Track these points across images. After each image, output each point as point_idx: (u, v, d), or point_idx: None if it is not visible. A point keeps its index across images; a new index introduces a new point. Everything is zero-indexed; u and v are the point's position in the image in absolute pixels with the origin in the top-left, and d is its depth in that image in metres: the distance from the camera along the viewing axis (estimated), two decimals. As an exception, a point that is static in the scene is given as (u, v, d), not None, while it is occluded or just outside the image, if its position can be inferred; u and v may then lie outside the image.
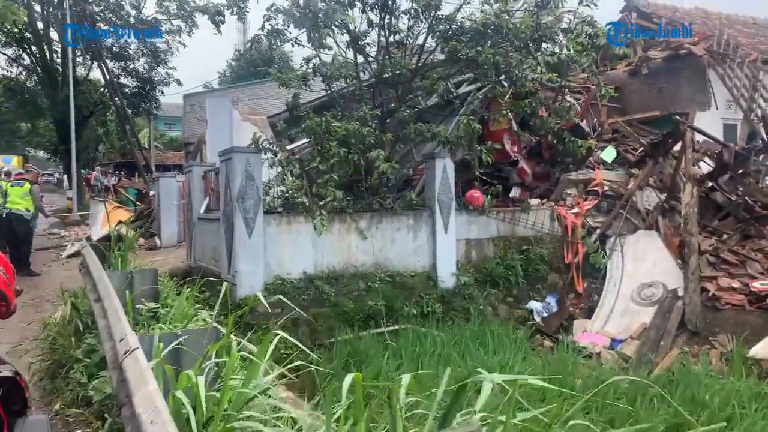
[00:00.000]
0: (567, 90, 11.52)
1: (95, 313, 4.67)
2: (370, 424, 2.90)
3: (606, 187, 10.34)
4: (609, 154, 11.19)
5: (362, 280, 8.08)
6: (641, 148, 10.99)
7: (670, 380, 6.30)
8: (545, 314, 8.81)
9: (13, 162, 23.80)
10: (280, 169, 8.45)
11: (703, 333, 7.72)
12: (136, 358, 2.96)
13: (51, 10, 24.86)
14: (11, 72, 29.09)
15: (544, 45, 9.23)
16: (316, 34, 8.36)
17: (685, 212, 8.72)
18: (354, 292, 7.89)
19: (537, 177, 10.89)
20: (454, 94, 10.04)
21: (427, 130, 8.61)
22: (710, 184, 9.99)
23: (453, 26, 8.72)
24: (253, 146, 7.93)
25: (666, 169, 10.26)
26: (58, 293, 6.67)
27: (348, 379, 2.48)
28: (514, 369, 6.35)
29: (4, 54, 27.77)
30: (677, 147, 9.96)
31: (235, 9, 9.24)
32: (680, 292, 8.16)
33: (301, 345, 3.70)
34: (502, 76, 9.12)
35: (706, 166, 10.61)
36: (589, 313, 8.82)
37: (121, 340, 3.39)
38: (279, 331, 3.56)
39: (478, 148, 8.75)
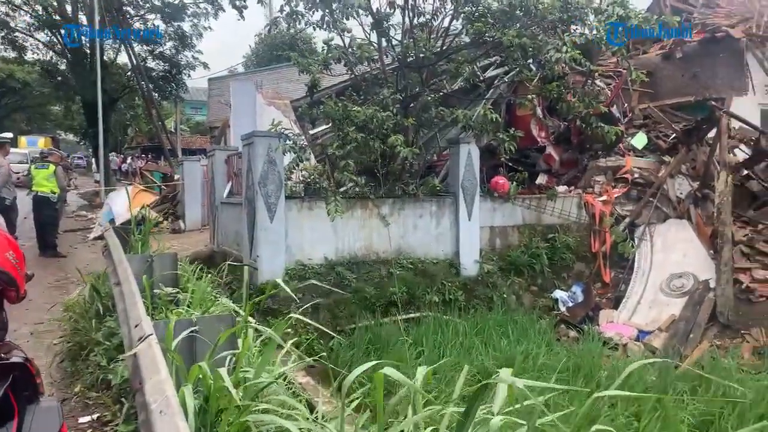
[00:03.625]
0: (597, 74, 11.19)
1: (115, 297, 4.67)
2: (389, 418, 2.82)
3: (636, 175, 10.05)
4: (640, 140, 10.85)
5: (384, 266, 7.99)
6: (674, 135, 10.65)
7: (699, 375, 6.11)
8: (570, 304, 8.64)
9: (39, 143, 23.87)
10: (295, 155, 8.38)
11: (735, 326, 7.49)
12: (150, 345, 2.92)
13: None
14: (44, 56, 29.64)
15: (573, 27, 8.95)
16: (332, 18, 8.21)
17: (719, 201, 8.42)
18: (375, 279, 7.81)
19: (564, 163, 10.63)
20: (481, 78, 9.82)
21: (449, 114, 8.44)
22: (746, 172, 9.64)
23: (479, 8, 8.49)
24: (273, 131, 7.86)
25: (699, 156, 9.92)
26: (81, 275, 6.71)
27: (361, 367, 2.38)
28: (537, 359, 6.23)
29: (36, 39, 28.24)
30: (712, 133, 9.61)
31: (256, -7, 9.14)
32: (712, 284, 7.92)
33: (322, 327, 3.60)
34: (530, 60, 8.88)
35: (741, 154, 10.24)
36: (615, 303, 8.62)
37: (135, 326, 3.36)
38: (297, 315, 3.50)
39: (501, 136, 8.55)
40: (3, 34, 27.66)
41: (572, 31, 8.91)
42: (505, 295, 8.30)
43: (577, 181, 10.37)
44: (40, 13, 25.27)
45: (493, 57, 9.89)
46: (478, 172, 8.68)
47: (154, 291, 4.80)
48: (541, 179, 10.34)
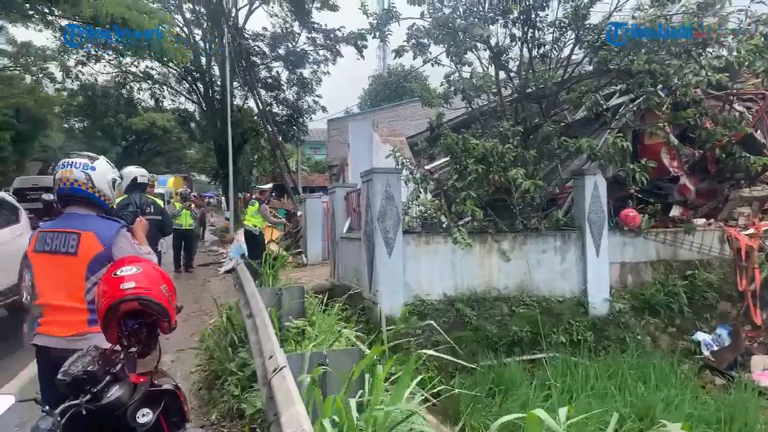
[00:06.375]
0: (735, 98, 10.33)
1: (247, 328, 4.86)
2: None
3: (787, 206, 9.05)
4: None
5: (505, 303, 7.73)
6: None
7: None
8: (715, 348, 7.84)
9: (169, 183, 25.28)
10: (415, 186, 8.41)
11: None
12: (284, 377, 2.96)
13: (212, 47, 27.48)
14: (182, 104, 32.77)
15: (708, 49, 8.36)
16: (455, 50, 8.26)
17: None
18: (497, 317, 7.56)
19: (701, 194, 9.81)
20: (604, 107, 9.40)
21: (572, 145, 8.13)
22: None
23: (602, 35, 8.19)
24: (391, 159, 7.98)
25: None
26: (215, 307, 7.10)
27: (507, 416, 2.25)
28: (682, 409, 5.66)
29: (176, 89, 31.23)
30: None
31: (376, 33, 9.43)
32: None
33: (461, 362, 3.48)
34: (659, 86, 8.38)
35: None
36: (770, 349, 7.70)
37: (270, 357, 3.44)
38: (430, 351, 3.42)
39: (631, 166, 8.07)
40: (148, 86, 31.05)
41: (707, 53, 8.32)
42: (639, 337, 7.70)
43: (716, 213, 9.53)
44: (180, 66, 27.94)
45: (618, 85, 9.46)
46: (605, 205, 8.23)
47: (284, 323, 4.93)
48: (675, 211, 9.60)
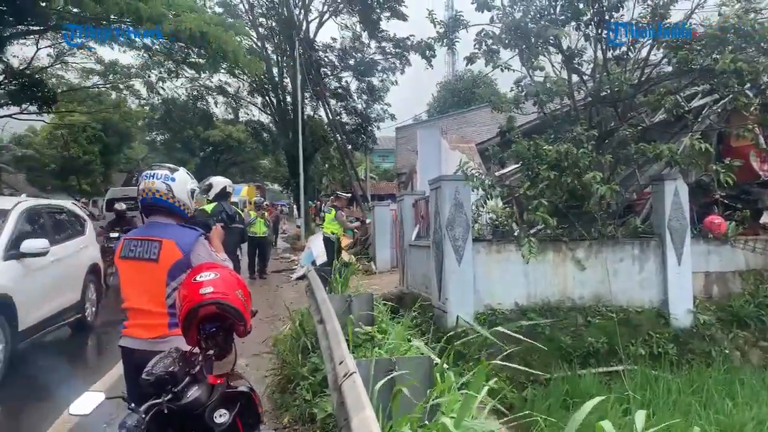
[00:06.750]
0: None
1: (318, 334, 4.93)
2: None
3: None
4: None
5: (580, 314, 7.49)
6: None
7: None
8: (813, 365, 7.26)
9: (243, 192, 25.93)
10: (483, 193, 8.29)
11: None
12: (354, 383, 2.98)
13: (284, 59, 28.31)
14: (255, 116, 33.97)
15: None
16: (527, 54, 8.11)
17: None
18: (571, 327, 7.32)
19: (795, 199, 9.15)
20: (686, 109, 8.96)
21: (651, 149, 7.78)
22: None
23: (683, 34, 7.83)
24: (459, 173, 7.90)
25: None
26: (288, 313, 7.25)
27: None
28: (775, 429, 5.27)
29: (250, 102, 32.41)
30: None
31: (444, 40, 9.42)
32: None
33: (535, 372, 3.40)
34: (747, 85, 7.91)
35: None
36: None
37: (340, 363, 3.47)
38: (501, 362, 3.35)
39: (714, 167, 7.64)
40: (224, 99, 32.42)
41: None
42: (726, 351, 7.25)
43: (813, 220, 8.85)
44: (254, 79, 28.94)
45: (701, 85, 9.00)
46: (687, 212, 7.83)
47: (355, 330, 4.97)
48: (767, 218, 9.01)
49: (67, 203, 9.11)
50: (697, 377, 6.58)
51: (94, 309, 8.42)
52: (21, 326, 6.00)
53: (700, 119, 9.38)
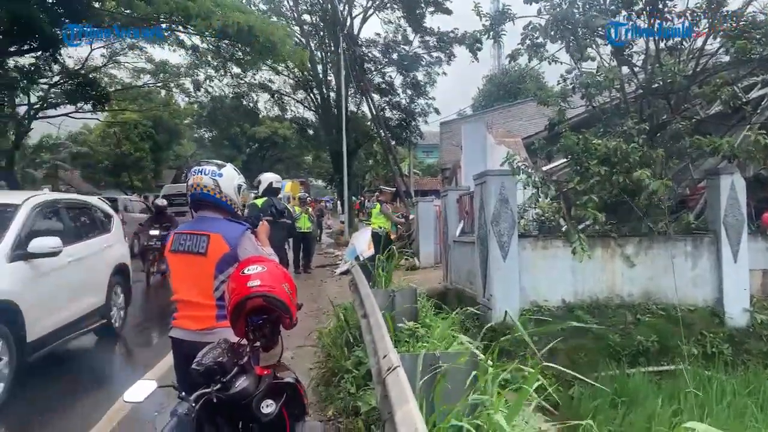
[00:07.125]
0: None
1: (362, 328, 4.96)
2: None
3: None
4: None
5: (629, 311, 7.30)
6: None
7: None
8: None
9: (287, 187, 26.07)
10: (534, 190, 8.14)
11: None
12: (398, 376, 2.98)
13: (328, 55, 28.51)
14: (299, 112, 34.36)
15: None
16: (575, 46, 7.93)
17: None
18: (619, 325, 7.14)
19: None
20: (743, 100, 8.59)
21: (707, 143, 7.50)
22: None
23: (742, 22, 7.51)
24: (506, 166, 7.79)
25: None
26: (332, 307, 7.32)
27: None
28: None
29: (294, 98, 32.80)
30: None
31: (490, 34, 9.29)
32: None
33: (581, 376, 3.34)
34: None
35: None
36: None
37: (384, 357, 3.48)
38: (549, 364, 3.30)
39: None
40: (269, 96, 32.88)
41: None
42: (785, 352, 6.95)
43: None
44: (298, 75, 29.25)
45: (760, 75, 8.62)
46: (744, 207, 7.53)
47: (397, 324, 4.98)
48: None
49: (93, 198, 8.41)
50: (753, 378, 6.34)
51: (122, 313, 7.72)
52: (30, 337, 5.28)
53: (759, 111, 8.99)
